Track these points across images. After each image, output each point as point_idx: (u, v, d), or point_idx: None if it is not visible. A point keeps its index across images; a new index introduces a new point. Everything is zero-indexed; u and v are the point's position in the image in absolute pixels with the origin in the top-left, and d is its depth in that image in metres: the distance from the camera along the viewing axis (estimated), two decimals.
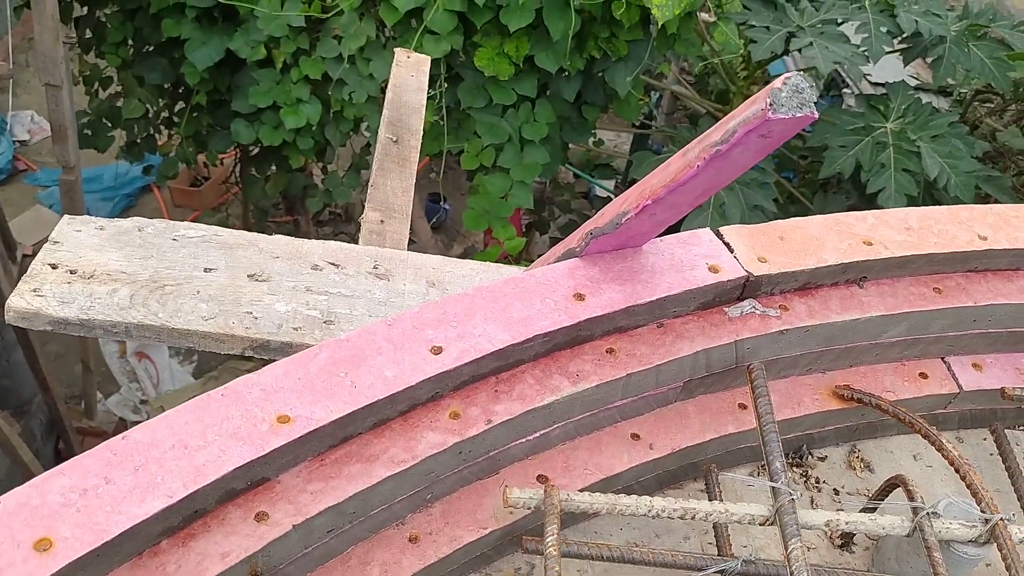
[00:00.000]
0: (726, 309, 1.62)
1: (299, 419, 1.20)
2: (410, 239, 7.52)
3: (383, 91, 4.89)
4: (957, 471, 1.48)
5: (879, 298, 1.66)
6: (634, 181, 5.25)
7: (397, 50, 2.72)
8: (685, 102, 7.64)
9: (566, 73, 4.73)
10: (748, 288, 1.61)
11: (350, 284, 1.82)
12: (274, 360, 1.44)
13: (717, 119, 6.33)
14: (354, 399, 1.25)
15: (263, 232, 7.06)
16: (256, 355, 1.70)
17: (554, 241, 6.13)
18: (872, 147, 5.03)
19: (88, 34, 5.58)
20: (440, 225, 8.55)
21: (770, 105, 1.15)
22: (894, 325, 1.67)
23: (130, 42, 5.43)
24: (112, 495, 1.09)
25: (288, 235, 6.91)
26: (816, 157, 5.45)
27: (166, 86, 5.60)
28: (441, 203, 8.51)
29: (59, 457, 6.15)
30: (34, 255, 7.07)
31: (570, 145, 5.56)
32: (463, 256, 8.48)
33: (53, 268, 1.69)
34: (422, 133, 2.47)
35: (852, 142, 5.08)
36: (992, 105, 6.81)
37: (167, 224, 1.88)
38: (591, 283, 1.52)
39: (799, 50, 4.81)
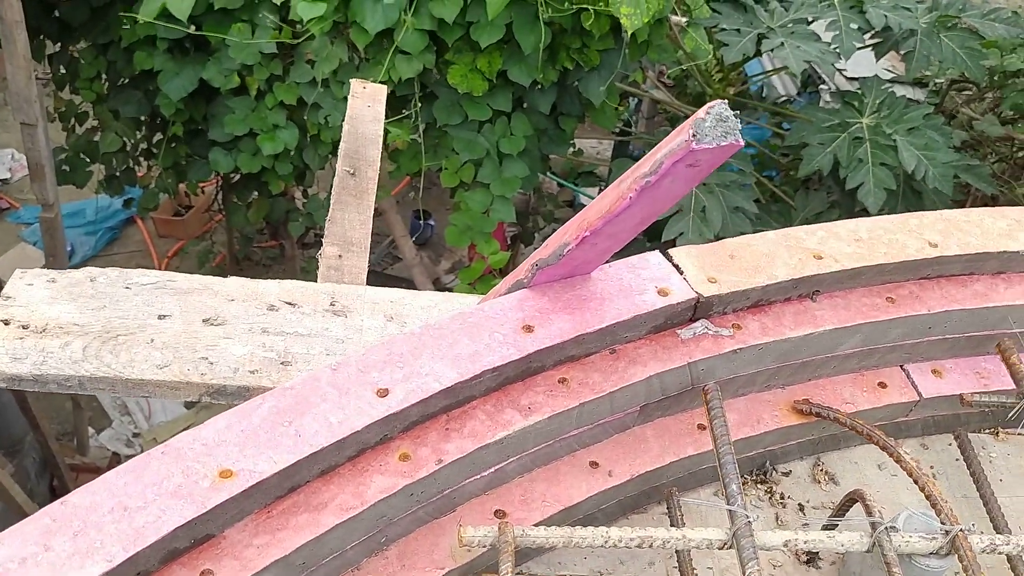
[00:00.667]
0: (679, 331, 1.61)
1: (242, 472, 1.19)
2: (395, 258, 7.53)
3: None
4: (916, 482, 1.47)
5: (832, 311, 1.65)
6: None
7: (353, 81, 2.72)
8: (664, 106, 7.64)
9: (540, 86, 4.73)
10: (699, 309, 1.61)
11: (307, 323, 1.81)
12: (234, 405, 1.43)
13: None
14: (299, 448, 1.24)
15: (248, 258, 7.07)
16: (213, 400, 1.69)
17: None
18: (849, 143, 5.03)
19: (62, 70, 5.59)
20: (426, 241, 8.54)
21: (693, 136, 1.15)
22: (849, 337, 1.66)
23: (104, 76, 5.44)
24: (51, 562, 1.08)
25: (274, 259, 6.91)
26: (797, 155, 5.45)
27: (142, 118, 5.60)
28: (426, 220, 8.51)
29: (54, 495, 6.14)
30: None
31: (550, 156, 5.57)
32: (451, 271, 8.48)
33: (5, 324, 1.68)
34: (379, 163, 2.47)
35: (829, 139, 5.08)
36: (969, 93, 6.82)
37: (120, 272, 1.87)
38: (540, 314, 1.51)
39: (771, 51, 4.82)
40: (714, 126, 1.15)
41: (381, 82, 4.53)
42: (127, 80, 5.40)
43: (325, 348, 1.76)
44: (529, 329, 1.49)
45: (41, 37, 5.35)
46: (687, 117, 4.90)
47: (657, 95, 6.96)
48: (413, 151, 5.03)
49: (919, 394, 1.74)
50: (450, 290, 6.16)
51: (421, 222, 8.58)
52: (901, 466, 1.48)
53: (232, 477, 1.18)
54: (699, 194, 4.97)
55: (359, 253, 2.20)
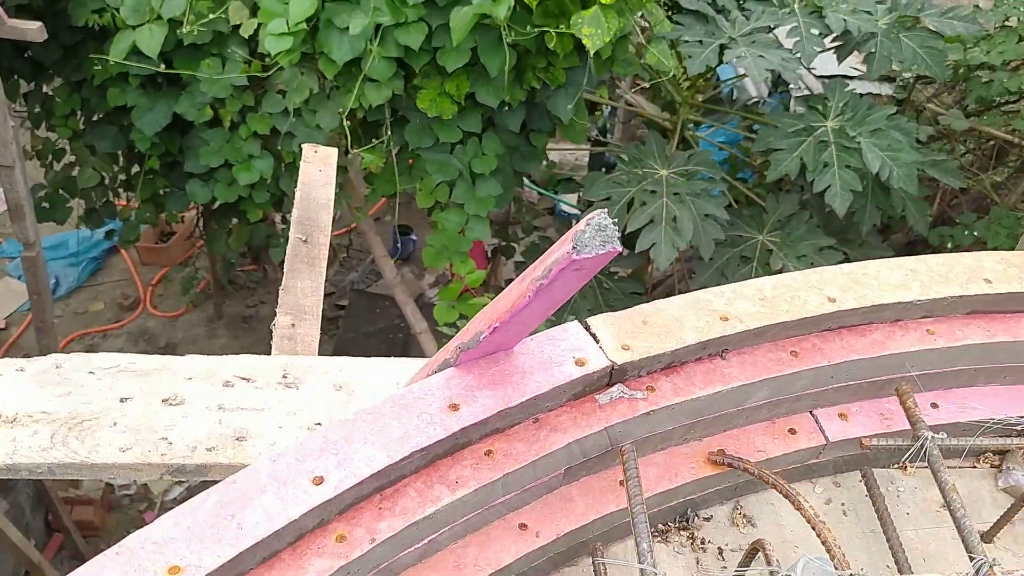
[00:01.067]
0: (597, 396, 1.70)
1: (189, 568, 1.27)
2: (379, 274, 7.54)
3: (331, 139, 4.97)
4: (813, 528, 1.55)
5: (740, 368, 1.73)
6: (590, 203, 5.34)
7: (304, 146, 2.79)
8: (639, 112, 7.73)
9: (509, 105, 4.81)
10: (615, 375, 1.70)
11: (261, 397, 1.88)
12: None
13: (665, 131, 6.40)
14: (240, 540, 1.32)
15: (233, 281, 7.09)
16: (175, 478, 1.76)
17: (519, 266, 6.20)
18: (815, 147, 5.13)
19: (37, 108, 5.64)
20: (409, 256, 8.62)
21: (574, 248, 1.25)
22: (757, 391, 1.75)
23: (79, 113, 5.49)
24: None
25: (257, 282, 6.90)
26: (768, 158, 5.54)
27: (119, 152, 5.66)
28: (408, 235, 8.58)
29: (49, 528, 6.18)
30: (7, 328, 7.06)
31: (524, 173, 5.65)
32: (435, 285, 8.55)
33: None
34: (330, 227, 2.54)
35: (795, 144, 5.18)
36: (935, 87, 6.94)
37: (83, 359, 1.94)
38: (466, 391, 1.60)
39: (734, 60, 4.91)
40: (593, 236, 1.26)
41: (352, 109, 4.62)
42: (102, 115, 5.46)
43: (278, 422, 1.83)
44: (455, 408, 1.57)
45: (15, 77, 5.40)
46: (656, 124, 4.98)
47: (630, 99, 7.05)
48: (387, 174, 5.11)
49: (826, 438, 1.83)
50: (433, 305, 6.23)
51: (406, 236, 8.66)
52: (801, 513, 1.56)
53: (180, 573, 1.26)
54: (670, 204, 5.06)
55: (311, 321, 2.27)
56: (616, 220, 5.11)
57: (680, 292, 7.37)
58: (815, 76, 7.47)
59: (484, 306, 4.76)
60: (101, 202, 5.96)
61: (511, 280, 6.16)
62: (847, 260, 6.13)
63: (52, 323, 5.65)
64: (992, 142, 6.69)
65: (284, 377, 1.94)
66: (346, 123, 4.47)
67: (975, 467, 1.73)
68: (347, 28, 4.21)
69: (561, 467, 1.66)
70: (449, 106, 4.59)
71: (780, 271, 5.31)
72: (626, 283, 5.90)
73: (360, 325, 6.99)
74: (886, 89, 7.44)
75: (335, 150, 2.80)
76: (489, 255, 7.13)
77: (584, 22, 4.12)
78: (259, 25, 4.38)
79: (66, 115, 5.47)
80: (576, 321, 1.77)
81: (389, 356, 6.53)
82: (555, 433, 1.62)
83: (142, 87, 4.96)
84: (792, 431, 1.83)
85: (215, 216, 6.07)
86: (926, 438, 1.57)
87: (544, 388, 1.60)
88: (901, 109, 6.78)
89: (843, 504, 1.87)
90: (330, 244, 8.42)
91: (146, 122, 4.98)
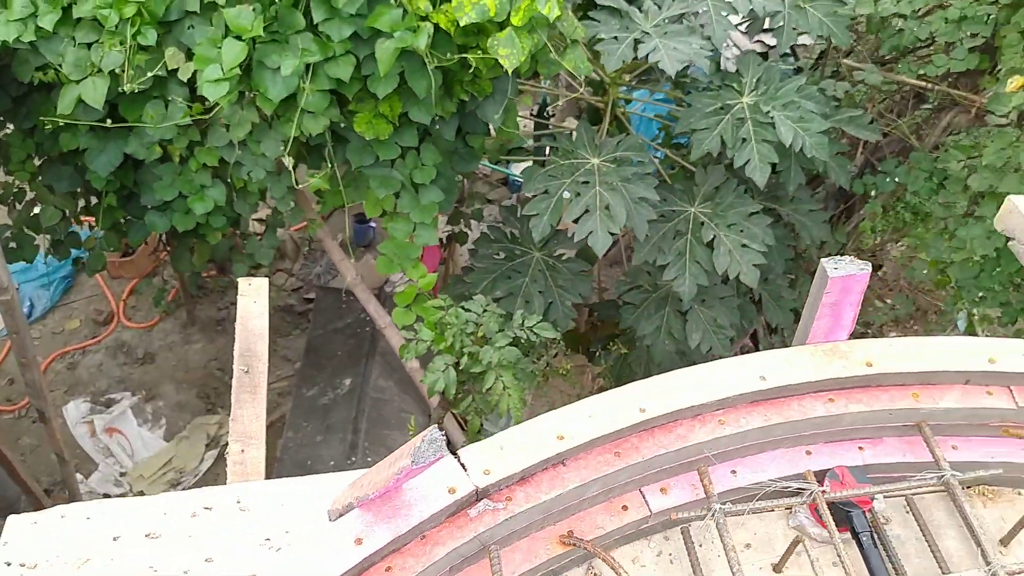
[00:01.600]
0: (468, 511, 2.13)
1: None
2: (334, 281, 7.81)
3: (280, 161, 5.25)
4: None
5: (576, 471, 2.18)
6: (526, 199, 5.65)
7: (240, 280, 3.10)
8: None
9: (442, 117, 5.10)
10: (480, 494, 2.13)
11: (221, 525, 2.20)
12: None
13: (599, 111, 6.69)
14: None
15: (202, 287, 7.34)
16: None
17: (472, 253, 6.52)
18: (732, 124, 5.46)
19: None
20: (370, 243, 8.91)
21: (412, 461, 1.65)
22: (591, 487, 2.19)
23: (34, 156, 5.71)
24: None
25: (226, 287, 7.18)
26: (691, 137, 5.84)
27: (78, 189, 5.89)
28: (368, 222, 8.86)
29: None
30: None
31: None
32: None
33: (8, 565, 2.07)
34: (267, 355, 2.88)
35: (714, 123, 5.50)
36: (852, 41, 7.23)
37: (83, 506, 2.23)
38: (367, 527, 2.01)
39: (647, 55, 5.20)
40: (427, 448, 1.68)
41: (293, 138, 4.88)
42: (56, 157, 5.68)
43: (236, 545, 2.16)
44: (359, 541, 1.98)
45: None
46: (589, 106, 5.29)
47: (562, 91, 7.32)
48: (334, 189, 5.40)
49: (650, 510, 2.27)
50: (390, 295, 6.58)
51: (366, 224, 8.94)
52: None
53: None
54: (603, 193, 5.40)
55: (257, 445, 2.62)
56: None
57: (627, 258, 7.64)
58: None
59: (440, 308, 5.11)
60: (65, 234, 6.20)
61: (467, 268, 6.45)
62: (779, 219, 6.52)
63: (34, 356, 5.94)
64: (908, 88, 7.04)
65: (238, 503, 2.28)
66: (288, 159, 4.74)
67: (772, 511, 2.11)
68: (279, 68, 4.46)
69: (446, 569, 2.08)
70: (385, 126, 4.88)
71: (712, 242, 5.69)
72: (573, 263, 6.25)
73: (328, 321, 7.33)
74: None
75: (266, 280, 3.12)
76: (444, 242, 7.45)
77: (500, 43, 4.41)
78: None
79: (22, 160, 5.68)
80: (451, 455, 2.17)
81: (358, 351, 6.87)
82: (438, 546, 2.07)
83: (92, 131, 5.18)
84: (624, 507, 2.29)
85: (176, 237, 6.34)
86: (716, 509, 1.99)
87: (426, 515, 2.07)
88: (821, 66, 7.12)
89: (670, 554, 2.33)
90: (293, 238, 8.68)
91: (99, 164, 5.21)
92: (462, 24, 4.31)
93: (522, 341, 5.02)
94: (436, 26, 4.43)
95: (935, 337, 2.02)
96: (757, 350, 9.05)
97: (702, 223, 5.76)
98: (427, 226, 5.28)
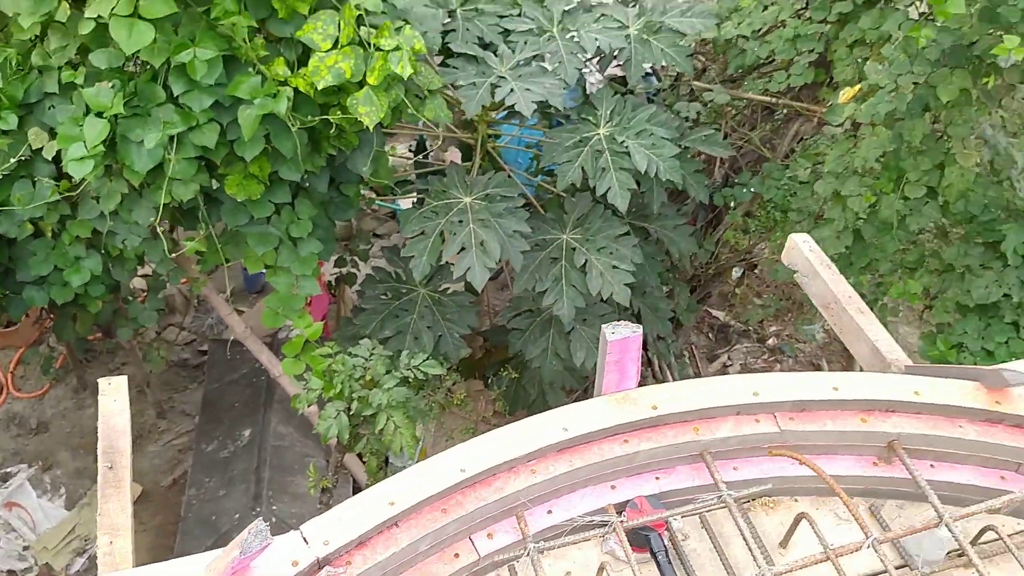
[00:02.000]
0: None
1: None
2: (226, 332, 7.80)
3: (154, 227, 5.31)
4: None
5: (407, 531, 2.44)
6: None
7: (100, 381, 3.23)
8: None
9: (312, 172, 5.26)
10: (322, 562, 2.34)
11: None
12: None
13: (470, 147, 6.93)
14: None
15: (91, 349, 7.28)
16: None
17: (360, 295, 6.67)
18: (591, 155, 5.79)
19: None
20: (263, 289, 8.95)
21: (241, 552, 1.85)
22: (423, 542, 2.42)
23: None
24: None
25: (114, 348, 7.10)
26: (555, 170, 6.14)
27: None
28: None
29: None
30: None
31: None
32: None
33: None
34: (130, 449, 3.02)
35: (575, 155, 5.82)
36: (702, 64, 7.71)
37: None
38: None
39: (505, 97, 5.48)
40: (253, 540, 1.88)
41: (165, 204, 4.96)
42: None
43: None
44: None
45: None
46: (461, 142, 5.53)
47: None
48: (213, 249, 5.49)
49: (479, 555, 2.51)
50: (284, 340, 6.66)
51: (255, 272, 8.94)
52: None
53: None
54: (477, 230, 5.65)
55: (124, 535, 2.76)
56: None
57: (511, 280, 7.83)
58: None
59: (327, 356, 5.27)
60: None
61: (357, 308, 6.57)
62: (647, 236, 6.91)
63: None
64: (757, 103, 7.53)
65: None
66: (160, 228, 4.82)
67: (589, 540, 2.38)
68: (143, 141, 4.55)
69: None
70: (256, 187, 5.01)
71: (584, 266, 6.01)
72: (459, 296, 6.48)
73: (223, 373, 7.36)
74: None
75: (124, 378, 3.27)
76: (332, 286, 7.58)
77: (359, 102, 4.61)
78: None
79: None
80: (294, 531, 2.36)
81: (256, 400, 6.93)
82: None
83: None
84: (456, 555, 2.55)
85: (57, 308, 6.29)
86: (530, 548, 2.25)
87: None
88: (674, 90, 7.56)
89: None
90: (182, 291, 8.63)
91: None
92: (320, 88, 4.50)
93: (410, 380, 5.22)
94: (296, 89, 4.61)
95: (708, 379, 2.32)
96: (647, 355, 9.46)
97: (574, 249, 6.07)
98: (309, 277, 5.43)
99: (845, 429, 2.23)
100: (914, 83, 5.89)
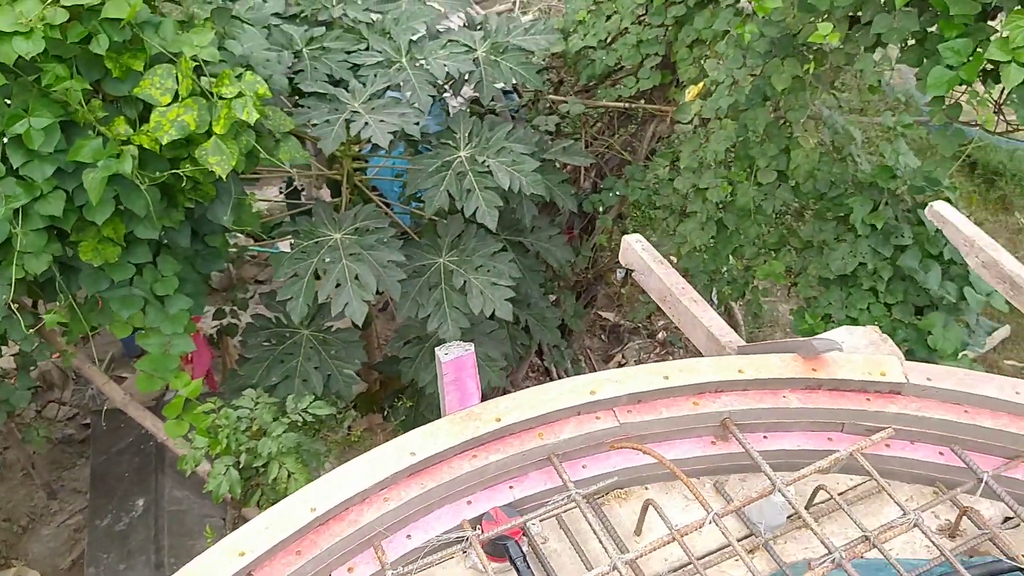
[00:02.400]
0: None
1: None
2: (109, 402, 7.54)
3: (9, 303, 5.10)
4: None
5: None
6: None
7: None
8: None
9: (172, 227, 5.16)
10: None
11: None
12: None
13: (338, 183, 6.90)
14: None
15: None
16: None
17: (243, 344, 6.56)
18: (455, 178, 5.87)
19: None
20: (144, 352, 8.66)
21: None
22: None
23: None
24: None
25: None
26: (422, 197, 6.20)
27: None
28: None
29: None
30: None
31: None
32: None
33: None
34: None
35: (439, 179, 5.90)
36: (555, 76, 7.91)
37: None
38: None
39: (360, 131, 5.52)
40: None
41: (18, 279, 4.78)
42: None
43: None
44: None
45: None
46: (331, 178, 5.51)
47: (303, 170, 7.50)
48: (76, 319, 5.31)
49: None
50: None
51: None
52: None
53: None
54: (350, 265, 5.64)
55: None
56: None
57: (395, 309, 7.75)
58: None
59: (210, 413, 5.15)
60: None
61: (241, 359, 6.42)
62: (524, 249, 7.03)
63: None
64: (614, 109, 7.77)
65: None
66: (13, 307, 4.66)
67: (452, 557, 2.43)
68: None
69: None
70: (112, 250, 4.89)
71: (464, 287, 6.07)
72: (345, 332, 6.44)
73: (110, 444, 7.09)
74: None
75: None
76: (214, 338, 7.42)
77: (208, 153, 4.56)
78: None
79: None
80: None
81: (147, 468, 6.73)
82: None
83: None
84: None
85: None
86: (387, 572, 2.27)
87: None
88: (534, 105, 7.73)
89: None
90: (58, 365, 8.32)
91: None
92: (165, 143, 4.43)
93: (300, 425, 5.17)
94: (141, 147, 4.53)
95: (548, 384, 2.41)
96: (545, 364, 9.61)
97: (452, 271, 6.13)
98: (181, 335, 5.31)
99: (680, 414, 2.35)
100: (751, 75, 6.22)
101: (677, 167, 7.12)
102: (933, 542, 2.17)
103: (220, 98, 4.57)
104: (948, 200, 6.38)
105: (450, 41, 6.23)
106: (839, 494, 2.44)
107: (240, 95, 4.56)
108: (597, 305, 9.51)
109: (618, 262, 9.03)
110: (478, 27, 6.59)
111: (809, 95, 6.22)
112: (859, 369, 2.42)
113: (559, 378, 9.64)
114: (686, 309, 2.85)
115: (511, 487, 2.32)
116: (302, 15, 6.03)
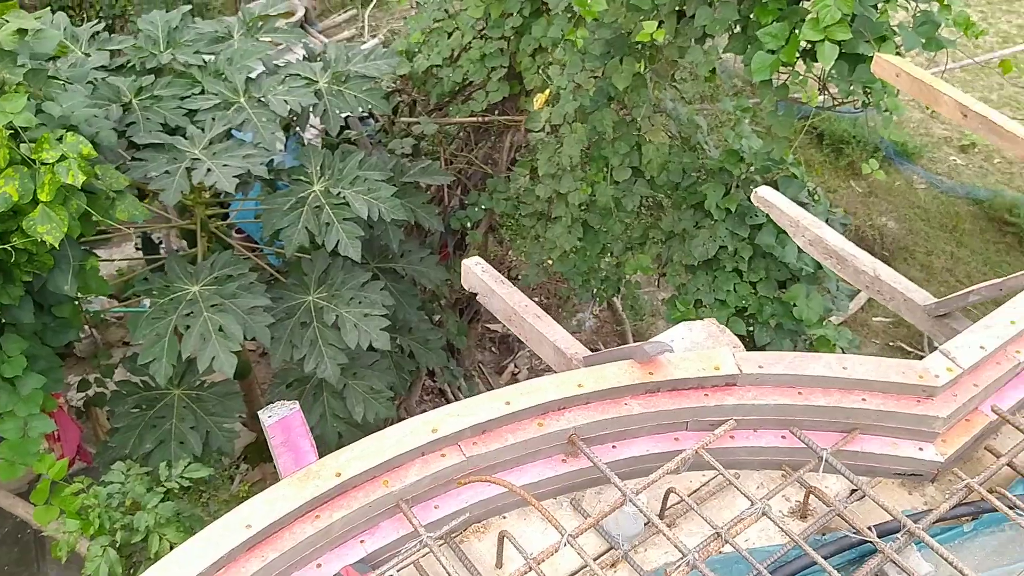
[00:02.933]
0: None
1: None
2: None
3: None
4: None
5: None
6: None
7: None
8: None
9: (12, 304, 4.87)
10: None
11: None
12: None
13: (195, 235, 6.67)
14: None
15: None
16: None
17: (110, 414, 6.25)
18: (312, 213, 5.75)
19: None
20: None
21: None
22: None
23: None
24: None
25: None
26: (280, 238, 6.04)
27: None
28: None
29: None
30: None
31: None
32: None
33: None
34: None
35: (295, 217, 5.76)
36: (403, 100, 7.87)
37: None
38: None
39: (203, 178, 5.34)
40: None
41: None
42: None
43: None
44: None
45: None
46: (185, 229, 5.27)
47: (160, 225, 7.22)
48: None
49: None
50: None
51: None
52: None
53: None
54: (211, 317, 5.45)
55: None
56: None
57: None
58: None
59: (78, 494, 4.88)
60: None
61: (111, 429, 6.07)
62: (396, 274, 6.96)
63: None
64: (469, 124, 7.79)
65: None
66: None
67: None
68: None
69: None
70: None
71: (336, 323, 5.95)
72: (219, 386, 6.21)
73: None
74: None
75: None
76: (80, 412, 7.07)
77: (36, 222, 4.33)
78: None
79: None
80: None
81: (26, 558, 6.33)
82: None
83: None
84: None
85: None
86: None
87: None
88: (391, 128, 7.67)
89: None
90: None
91: None
92: None
93: (176, 491, 4.96)
94: None
95: (388, 428, 2.35)
96: (438, 386, 9.54)
97: (322, 308, 5.99)
98: (39, 416, 5.02)
99: (526, 438, 2.34)
100: (594, 77, 6.32)
101: (538, 175, 7.19)
102: (782, 528, 2.22)
103: (42, 164, 4.35)
104: (794, 175, 6.66)
105: (289, 76, 6.11)
106: (693, 491, 2.47)
107: (63, 158, 4.35)
108: (483, 319, 9.50)
109: (503, 261, 9.10)
110: (318, 58, 6.49)
111: (651, 90, 6.38)
112: (694, 366, 2.46)
113: (455, 397, 9.58)
114: (531, 327, 2.85)
115: (362, 541, 2.25)
116: (129, 65, 5.80)
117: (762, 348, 6.50)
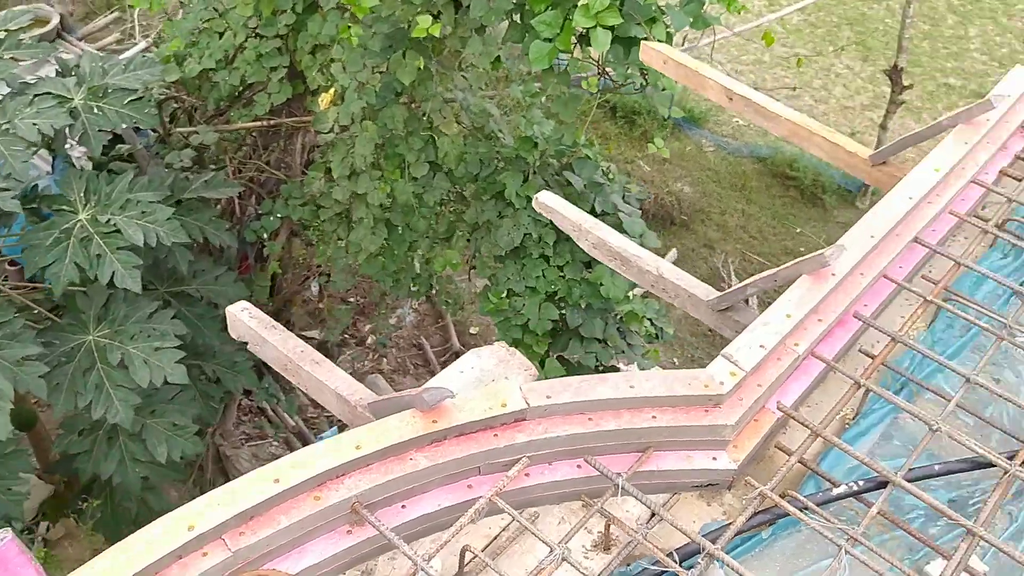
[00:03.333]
0: None
1: None
2: None
3: None
4: None
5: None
6: None
7: None
8: None
9: None
10: None
11: None
12: None
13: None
14: None
15: None
16: None
17: None
18: (80, 245, 5.21)
19: None
20: None
21: None
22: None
23: None
24: None
25: None
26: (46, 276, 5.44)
27: None
28: None
29: None
30: None
31: None
32: None
33: None
34: None
35: (61, 252, 5.20)
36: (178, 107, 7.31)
37: None
38: None
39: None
40: None
41: None
42: None
43: None
44: None
45: None
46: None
47: None
48: None
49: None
50: None
51: None
52: None
53: None
54: None
55: None
56: None
57: None
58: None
59: None
60: None
61: None
62: (190, 297, 6.47)
63: None
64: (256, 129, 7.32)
65: None
66: None
67: None
68: None
69: None
70: None
71: (122, 362, 5.44)
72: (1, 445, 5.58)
73: None
74: None
75: None
76: None
77: None
78: None
79: None
80: None
81: None
82: None
83: None
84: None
85: None
86: None
87: None
88: (164, 141, 7.09)
89: None
90: None
91: None
92: None
93: None
94: None
95: (133, 535, 2.06)
96: (257, 406, 9.07)
97: (104, 347, 5.47)
98: None
99: (302, 516, 2.12)
100: (379, 73, 6.06)
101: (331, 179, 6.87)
102: (582, 572, 2.11)
103: None
104: (588, 156, 6.70)
105: (38, 96, 5.49)
106: (493, 539, 2.35)
107: None
108: (296, 329, 9.08)
109: (305, 278, 8.71)
110: (72, 72, 5.87)
111: (439, 82, 6.20)
112: (480, 406, 2.31)
113: (276, 414, 9.14)
114: (309, 374, 2.62)
115: None
116: None
117: (575, 329, 6.54)
